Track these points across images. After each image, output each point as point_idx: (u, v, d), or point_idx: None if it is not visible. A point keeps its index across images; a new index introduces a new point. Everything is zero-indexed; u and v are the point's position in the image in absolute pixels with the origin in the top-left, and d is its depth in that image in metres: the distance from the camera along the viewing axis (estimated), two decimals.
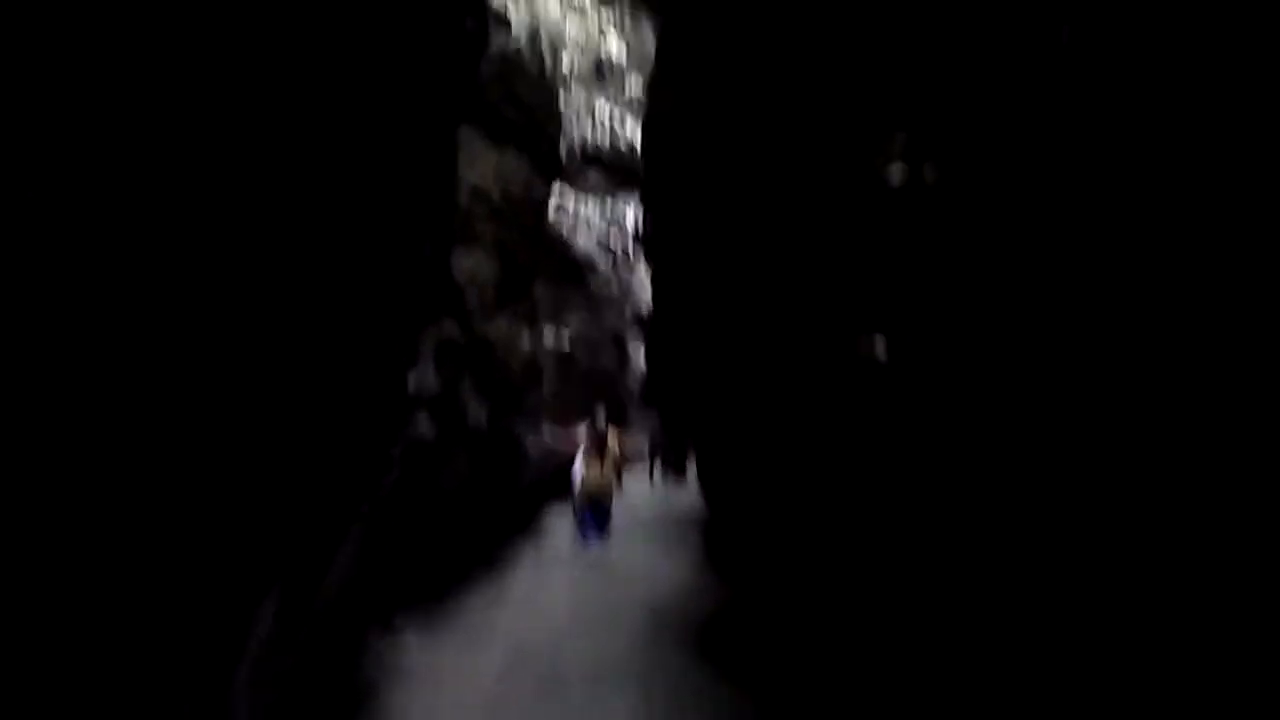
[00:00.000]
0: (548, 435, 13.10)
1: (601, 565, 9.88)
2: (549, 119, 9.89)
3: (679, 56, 6.55)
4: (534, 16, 10.78)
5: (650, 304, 11.57)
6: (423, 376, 5.75)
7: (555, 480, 13.98)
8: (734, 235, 5.78)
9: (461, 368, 7.88)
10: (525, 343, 9.74)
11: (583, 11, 20.90)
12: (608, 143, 20.46)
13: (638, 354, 19.42)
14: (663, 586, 8.95)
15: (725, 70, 5.67)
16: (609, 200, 20.28)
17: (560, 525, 12.99)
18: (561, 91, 16.85)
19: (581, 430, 12.75)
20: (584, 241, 17.76)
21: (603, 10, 21.51)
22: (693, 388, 8.60)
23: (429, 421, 7.23)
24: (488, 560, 9.63)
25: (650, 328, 9.81)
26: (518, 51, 9.10)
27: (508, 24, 9.15)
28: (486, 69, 8.50)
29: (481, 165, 8.50)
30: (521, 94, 8.96)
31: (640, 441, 17.19)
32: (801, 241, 4.83)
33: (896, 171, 3.78)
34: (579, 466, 11.28)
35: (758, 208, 5.35)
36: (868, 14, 4.10)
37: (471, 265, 8.30)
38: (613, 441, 11.58)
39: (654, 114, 7.25)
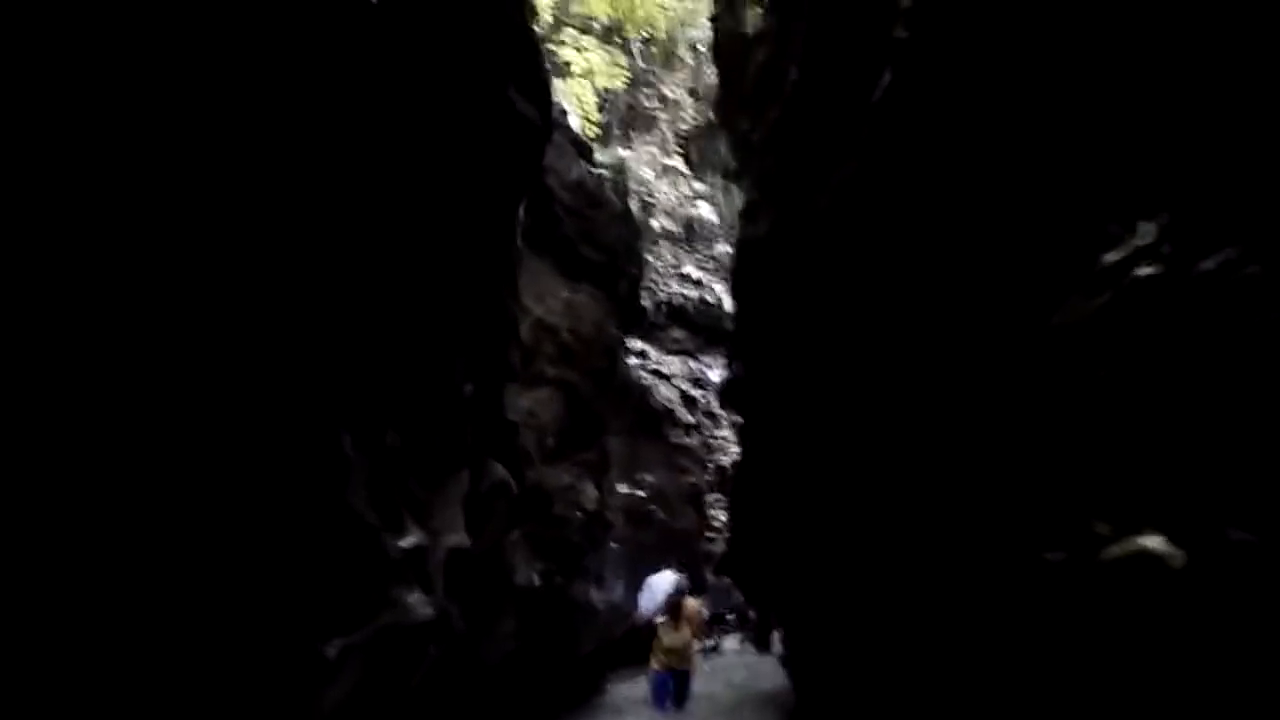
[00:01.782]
0: (617, 595, 11.72)
1: None
2: (630, 259, 9.04)
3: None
4: (620, 159, 10.13)
5: (734, 463, 10.29)
6: (447, 528, 4.54)
7: (624, 645, 12.49)
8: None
9: (511, 520, 6.64)
10: (590, 495, 8.46)
11: (675, 175, 20.72)
12: (695, 300, 19.71)
13: (717, 514, 17.90)
14: None
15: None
16: (693, 357, 19.37)
17: (626, 699, 11.25)
18: (650, 247, 16.42)
19: (644, 594, 11.35)
20: (666, 392, 16.65)
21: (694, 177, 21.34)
22: (780, 560, 7.19)
23: (467, 584, 5.99)
24: None
25: (734, 487, 8.51)
26: (600, 183, 8.33)
27: (589, 152, 8.45)
28: (564, 199, 7.73)
29: (551, 300, 7.57)
30: (601, 229, 8.13)
31: (717, 607, 15.75)
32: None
33: None
34: (658, 630, 10.03)
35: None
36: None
37: (531, 406, 7.20)
38: (692, 606, 10.39)
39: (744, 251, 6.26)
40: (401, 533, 3.27)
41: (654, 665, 10.22)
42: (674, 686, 10.10)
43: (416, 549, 3.43)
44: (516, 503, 6.69)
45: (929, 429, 4.27)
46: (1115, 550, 2.06)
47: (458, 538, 4.68)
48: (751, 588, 9.14)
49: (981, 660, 3.83)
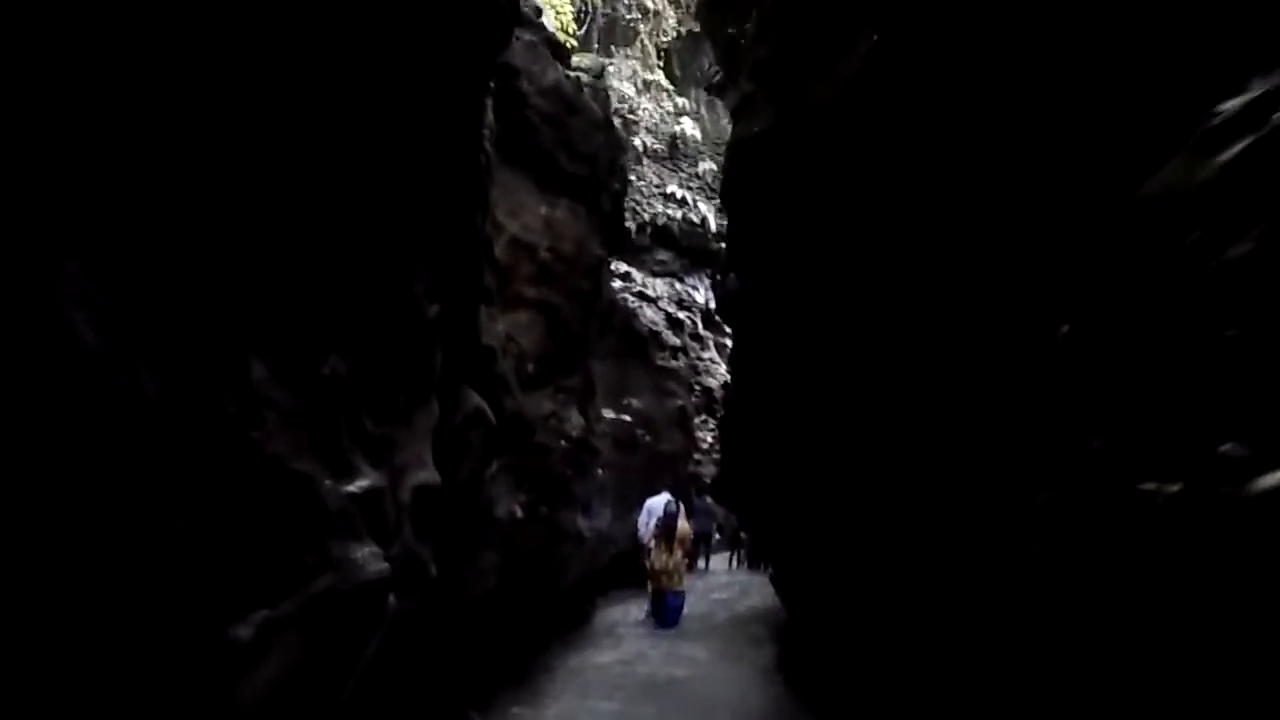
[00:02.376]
0: (605, 523, 11.45)
1: (659, 690, 7.81)
2: (613, 173, 8.33)
3: None
4: (600, 63, 9.30)
5: (726, 383, 9.93)
6: (414, 465, 4.02)
7: (611, 570, 12.32)
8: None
9: (490, 451, 6.15)
10: (575, 422, 7.96)
11: (657, 90, 19.72)
12: (679, 220, 18.97)
13: (704, 436, 17.57)
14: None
15: None
16: (679, 279, 18.78)
17: (614, 625, 11.03)
18: (633, 166, 15.65)
19: (642, 516, 11.72)
20: (651, 315, 16.09)
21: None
22: (772, 481, 6.77)
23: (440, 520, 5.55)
24: (518, 681, 7.71)
25: (728, 408, 8.11)
26: (578, 88, 7.57)
27: (565, 55, 7.65)
28: (539, 105, 7.00)
29: (528, 216, 6.92)
30: (580, 138, 7.41)
31: (706, 527, 15.71)
32: None
33: None
34: (650, 553, 10.76)
35: None
36: None
37: (510, 330, 6.63)
38: (684, 529, 10.88)
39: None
40: (348, 476, 2.74)
41: (649, 588, 10.81)
42: (667, 605, 10.52)
43: (370, 493, 2.90)
44: (495, 433, 6.18)
45: (949, 339, 3.76)
46: (1267, 481, 1.55)
47: (427, 474, 4.17)
48: (744, 509, 8.82)
49: (990, 594, 3.43)
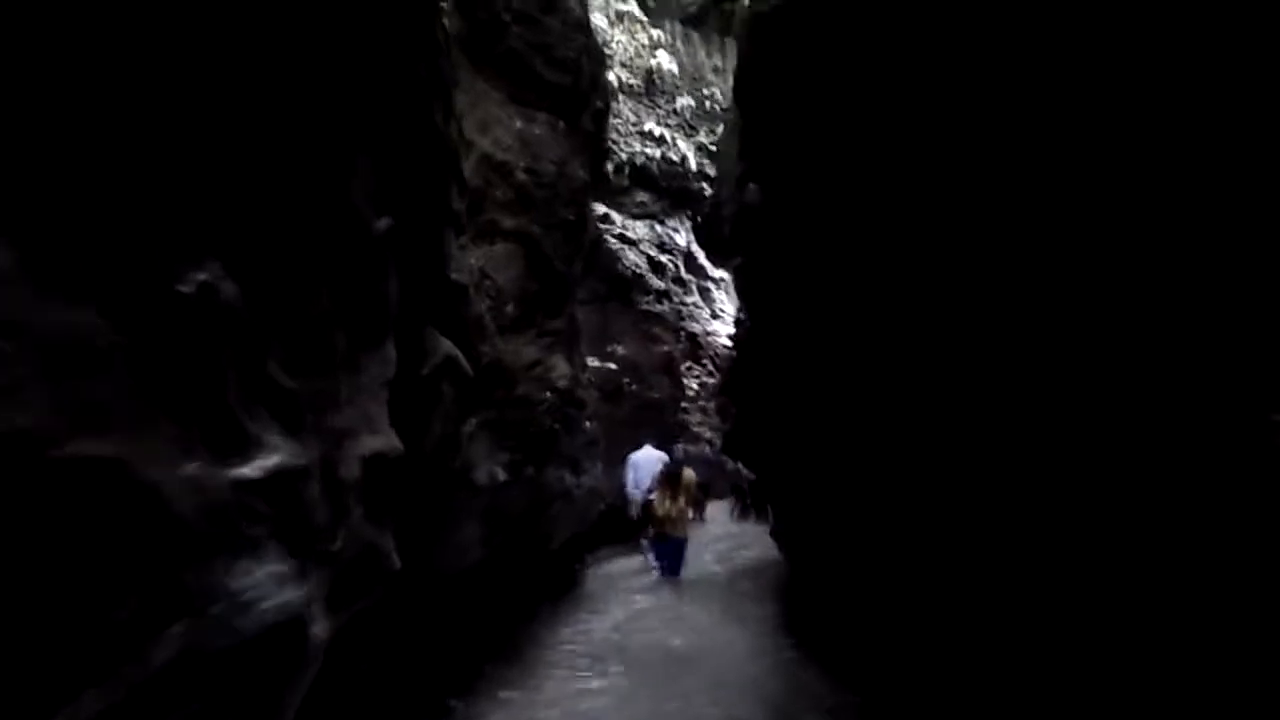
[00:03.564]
0: (594, 478, 10.61)
1: (660, 662, 6.93)
2: (595, 88, 7.13)
3: None
4: None
5: (737, 333, 9.04)
6: (362, 427, 2.99)
7: (600, 526, 11.52)
8: None
9: (465, 406, 5.13)
10: (562, 370, 6.92)
11: (631, 21, 18.29)
12: (658, 159, 17.76)
13: (690, 383, 16.65)
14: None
15: None
16: (659, 221, 17.63)
17: (605, 585, 10.19)
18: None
19: (629, 473, 11.44)
20: (633, 258, 14.99)
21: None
22: (783, 434, 5.86)
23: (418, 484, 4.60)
24: (506, 658, 6.80)
25: (738, 357, 7.19)
26: None
27: None
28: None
29: (500, 131, 5.77)
30: (557, 41, 6.23)
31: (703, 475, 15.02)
32: None
33: None
34: (653, 501, 10.45)
35: None
36: None
37: (484, 264, 5.56)
38: (689, 476, 10.54)
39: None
40: (237, 454, 1.71)
41: (650, 534, 10.66)
42: (670, 553, 10.33)
43: (280, 476, 1.87)
44: (471, 385, 5.15)
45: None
46: None
47: (382, 439, 3.15)
48: (755, 458, 7.96)
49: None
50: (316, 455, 2.46)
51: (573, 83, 6.39)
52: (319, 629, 1.97)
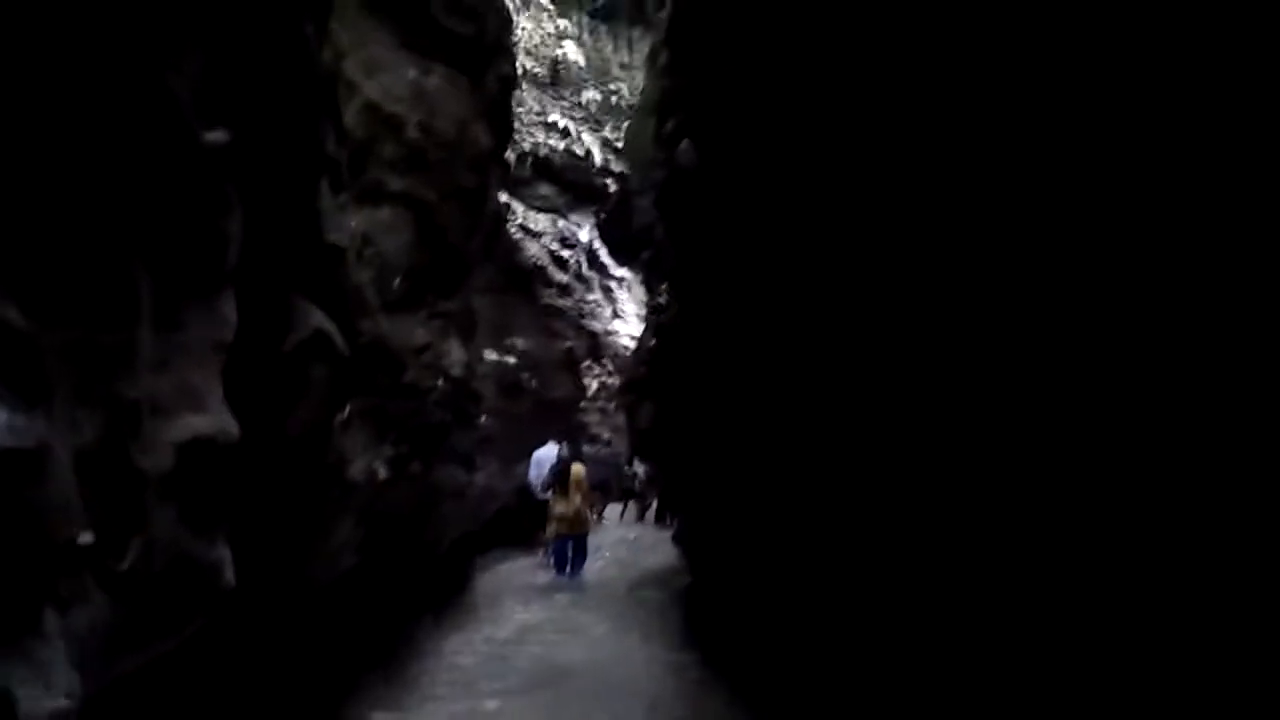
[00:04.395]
0: (488, 477, 9.95)
1: (555, 678, 6.24)
2: (501, 50, 6.39)
3: None
4: None
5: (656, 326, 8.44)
6: (180, 404, 2.22)
7: (492, 526, 10.82)
8: None
9: (339, 389, 4.32)
10: (456, 358, 6.15)
11: (537, 9, 17.54)
12: (562, 152, 17.09)
13: (590, 382, 16.01)
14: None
15: None
16: (562, 215, 16.92)
17: (497, 590, 9.42)
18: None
19: (532, 470, 11.24)
20: (535, 250, 14.23)
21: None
22: (702, 441, 5.32)
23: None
24: (384, 674, 5.96)
25: (656, 355, 6.61)
26: None
27: None
28: None
29: (390, 79, 4.97)
30: None
31: (596, 477, 14.40)
32: None
33: None
34: (550, 501, 10.30)
35: None
36: None
37: (367, 228, 4.76)
38: (579, 471, 10.31)
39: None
40: None
41: (550, 534, 10.41)
42: (572, 550, 10.12)
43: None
44: (348, 366, 4.34)
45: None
46: None
47: (210, 419, 2.37)
48: (671, 461, 7.41)
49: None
50: (92, 436, 1.71)
51: (475, 33, 5.63)
52: (48, 703, 1.23)
